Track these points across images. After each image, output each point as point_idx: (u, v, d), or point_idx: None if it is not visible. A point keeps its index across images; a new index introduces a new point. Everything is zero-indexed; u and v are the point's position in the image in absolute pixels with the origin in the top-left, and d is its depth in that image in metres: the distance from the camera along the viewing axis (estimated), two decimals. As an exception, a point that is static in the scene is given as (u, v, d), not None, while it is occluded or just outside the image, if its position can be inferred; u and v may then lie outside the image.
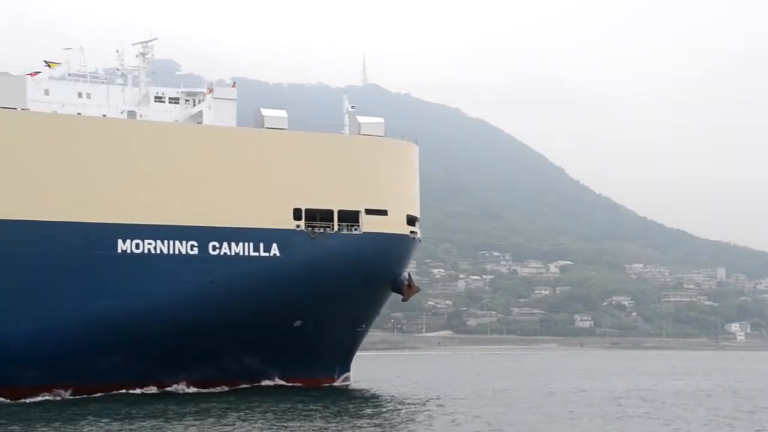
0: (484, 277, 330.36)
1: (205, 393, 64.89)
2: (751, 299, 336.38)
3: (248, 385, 68.12)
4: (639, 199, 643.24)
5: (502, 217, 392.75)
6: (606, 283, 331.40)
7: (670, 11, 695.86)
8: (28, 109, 63.31)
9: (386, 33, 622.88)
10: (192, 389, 65.89)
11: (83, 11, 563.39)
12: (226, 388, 67.05)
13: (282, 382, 69.84)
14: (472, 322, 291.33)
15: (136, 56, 71.30)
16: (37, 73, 69.25)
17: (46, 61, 69.77)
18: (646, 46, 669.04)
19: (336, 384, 72.68)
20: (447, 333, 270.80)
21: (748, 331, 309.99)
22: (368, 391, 70.73)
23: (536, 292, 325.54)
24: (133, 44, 72.18)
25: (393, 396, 66.54)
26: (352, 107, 72.84)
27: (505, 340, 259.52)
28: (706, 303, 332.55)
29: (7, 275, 60.18)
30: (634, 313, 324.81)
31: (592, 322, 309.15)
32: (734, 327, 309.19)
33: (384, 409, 56.94)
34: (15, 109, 62.48)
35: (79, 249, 61.97)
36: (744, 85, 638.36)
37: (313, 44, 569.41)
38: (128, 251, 63.15)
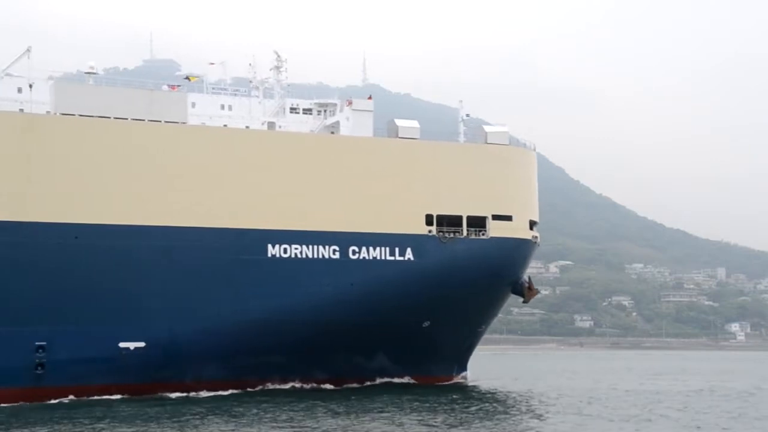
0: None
1: (342, 389, 68.67)
2: (751, 299, 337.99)
3: (376, 382, 71.87)
4: (639, 199, 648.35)
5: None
6: (606, 283, 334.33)
7: (670, 11, 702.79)
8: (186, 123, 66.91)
9: (386, 33, 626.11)
10: (329, 386, 69.59)
11: (84, 11, 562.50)
12: (356, 385, 70.68)
13: (405, 380, 73.57)
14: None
15: (270, 69, 74.75)
16: (178, 86, 72.74)
17: (186, 76, 73.46)
18: (646, 46, 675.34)
19: (454, 382, 76.43)
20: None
21: (748, 331, 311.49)
22: (500, 389, 74.41)
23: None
24: (273, 62, 75.42)
25: (518, 393, 70.56)
26: (467, 115, 76.95)
27: (505, 340, 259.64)
28: (706, 303, 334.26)
29: (171, 278, 63.73)
30: (634, 313, 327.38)
31: (592, 322, 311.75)
32: (734, 327, 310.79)
33: (525, 407, 60.60)
34: (176, 123, 66.08)
35: (233, 254, 65.60)
36: (744, 85, 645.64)
37: (313, 44, 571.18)
38: (277, 255, 66.87)
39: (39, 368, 60.23)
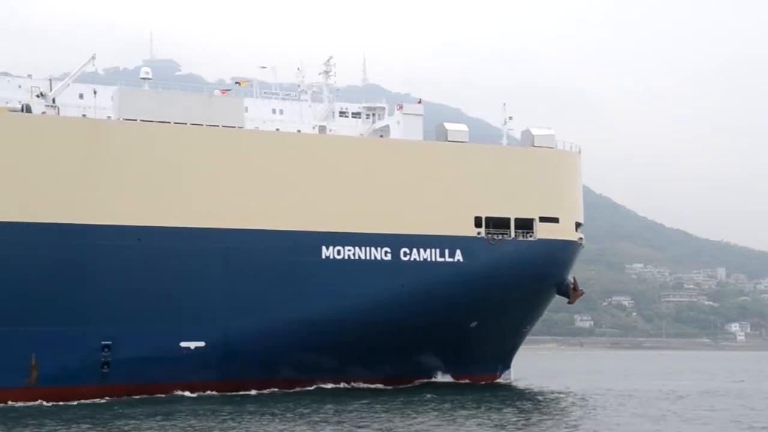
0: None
1: (391, 389, 69.81)
2: (751, 299, 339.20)
3: (423, 381, 73.02)
4: (639, 199, 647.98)
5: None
6: (606, 283, 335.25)
7: (670, 11, 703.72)
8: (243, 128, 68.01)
9: (386, 33, 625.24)
10: (378, 386, 70.69)
11: (83, 11, 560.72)
12: (405, 384, 71.56)
13: (450, 379, 74.69)
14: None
15: (319, 74, 75.91)
16: (228, 90, 73.83)
17: (236, 81, 74.59)
18: (646, 46, 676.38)
19: (499, 381, 77.67)
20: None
21: (748, 331, 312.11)
22: (552, 388, 75.77)
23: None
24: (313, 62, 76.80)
25: (566, 393, 71.96)
26: (510, 118, 78.30)
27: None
28: (706, 303, 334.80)
29: (228, 280, 64.89)
30: (634, 313, 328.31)
31: (592, 322, 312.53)
32: (734, 327, 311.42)
33: (582, 405, 62.00)
34: (233, 127, 67.23)
35: (288, 255, 66.76)
36: (744, 85, 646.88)
37: (313, 44, 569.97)
38: (330, 257, 68.04)
39: (105, 367, 61.40)
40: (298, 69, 75.78)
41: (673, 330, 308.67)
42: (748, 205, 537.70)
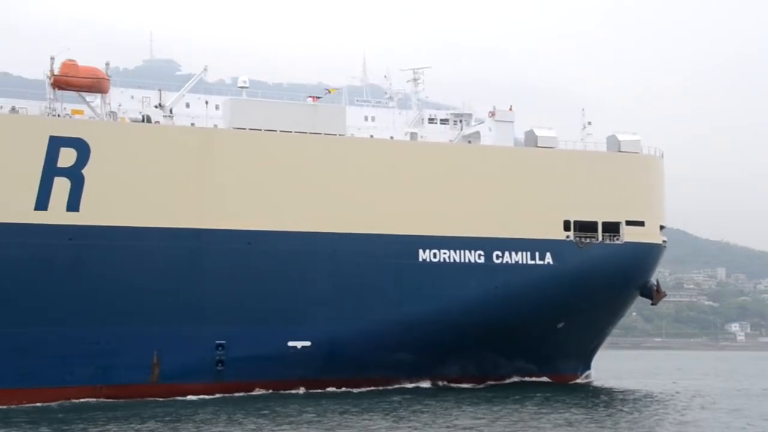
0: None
1: (482, 387, 71.92)
2: (751, 299, 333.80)
3: (512, 381, 75.04)
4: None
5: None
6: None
7: (670, 11, 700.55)
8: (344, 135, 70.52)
9: (386, 33, 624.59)
10: (467, 385, 72.61)
11: (83, 11, 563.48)
12: (492, 383, 73.59)
13: (534, 379, 76.75)
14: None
15: (407, 81, 78.43)
16: (319, 98, 76.35)
17: (327, 89, 77.28)
18: (646, 46, 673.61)
19: (579, 381, 79.65)
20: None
21: (748, 331, 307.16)
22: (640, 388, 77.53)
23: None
24: (401, 69, 79.32)
25: (651, 392, 73.86)
26: (589, 123, 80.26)
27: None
28: (706, 303, 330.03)
29: (333, 282, 67.33)
30: (634, 313, 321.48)
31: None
32: (734, 327, 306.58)
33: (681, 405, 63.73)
34: (335, 135, 69.80)
35: (388, 258, 68.97)
36: (744, 85, 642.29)
37: (313, 44, 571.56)
38: (427, 260, 70.34)
39: (219, 365, 63.93)
40: (385, 77, 78.33)
41: (673, 330, 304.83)
42: (748, 205, 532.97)
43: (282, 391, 65.14)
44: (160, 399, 60.81)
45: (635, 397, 69.08)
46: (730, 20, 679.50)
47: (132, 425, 48.98)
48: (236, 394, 63.31)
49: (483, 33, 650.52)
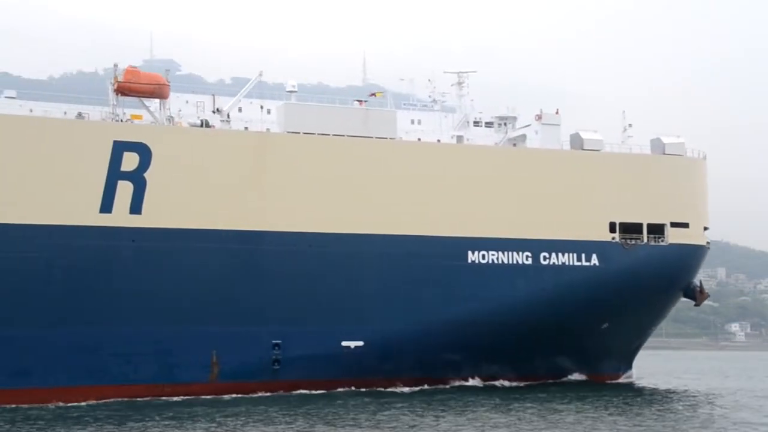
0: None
1: (524, 386, 72.58)
2: (751, 299, 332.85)
3: (552, 380, 75.81)
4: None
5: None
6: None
7: (670, 12, 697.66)
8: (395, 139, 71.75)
9: (386, 33, 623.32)
10: (512, 384, 73.37)
11: (83, 11, 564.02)
12: (534, 383, 74.29)
13: (576, 378, 77.54)
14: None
15: (452, 85, 79.47)
16: (365, 101, 77.45)
17: (372, 92, 78.60)
18: (646, 46, 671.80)
19: (621, 381, 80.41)
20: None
21: (748, 331, 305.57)
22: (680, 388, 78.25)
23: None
24: (444, 72, 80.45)
25: (696, 392, 74.65)
26: (630, 125, 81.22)
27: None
28: (706, 303, 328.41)
29: (385, 282, 68.52)
30: None
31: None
32: (734, 327, 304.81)
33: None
34: (386, 138, 70.94)
35: (438, 260, 70.19)
36: (744, 85, 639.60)
37: (312, 44, 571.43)
38: (476, 261, 71.42)
39: (276, 364, 65.14)
40: (429, 80, 79.40)
41: (673, 330, 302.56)
42: (748, 205, 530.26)
43: (332, 390, 66.09)
44: (225, 397, 62.08)
45: (693, 397, 69.61)
46: (730, 20, 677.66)
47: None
48: (293, 393, 64.58)
49: (483, 33, 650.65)
